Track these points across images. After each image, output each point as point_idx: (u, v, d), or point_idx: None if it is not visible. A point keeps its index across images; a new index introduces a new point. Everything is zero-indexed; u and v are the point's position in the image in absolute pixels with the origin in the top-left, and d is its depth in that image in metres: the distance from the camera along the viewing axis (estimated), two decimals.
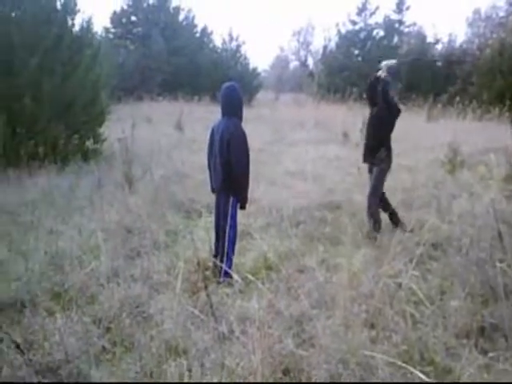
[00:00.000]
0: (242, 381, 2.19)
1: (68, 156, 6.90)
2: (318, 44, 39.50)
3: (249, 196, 5.47)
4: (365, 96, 4.73)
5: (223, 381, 2.19)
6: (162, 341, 2.57)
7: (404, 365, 2.28)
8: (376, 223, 4.44)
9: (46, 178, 5.88)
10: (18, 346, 2.31)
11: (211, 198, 5.51)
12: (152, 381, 2.28)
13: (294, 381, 2.33)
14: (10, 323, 2.78)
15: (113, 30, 24.98)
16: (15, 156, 6.13)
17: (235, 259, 3.75)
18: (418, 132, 10.68)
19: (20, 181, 5.66)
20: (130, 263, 3.65)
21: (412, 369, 2.25)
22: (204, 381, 2.19)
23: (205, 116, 13.35)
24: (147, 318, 2.85)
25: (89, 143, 8.03)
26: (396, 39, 24.50)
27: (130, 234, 4.23)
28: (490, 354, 2.52)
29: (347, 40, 24.67)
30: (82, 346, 2.51)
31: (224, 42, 25.58)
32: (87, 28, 8.79)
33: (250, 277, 3.46)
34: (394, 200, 5.28)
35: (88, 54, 8.15)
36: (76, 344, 2.51)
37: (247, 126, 10.22)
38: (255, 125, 11.63)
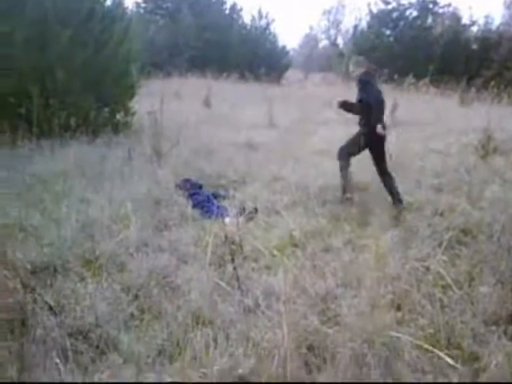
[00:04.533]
0: (266, 353, 2.20)
1: (99, 128, 6.96)
2: (348, 23, 38.17)
3: (276, 173, 5.47)
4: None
5: (248, 352, 2.20)
6: (189, 310, 2.60)
7: (431, 348, 2.25)
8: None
9: (78, 148, 5.96)
10: (50, 308, 2.37)
11: (238, 175, 5.52)
12: (178, 350, 2.30)
13: (318, 357, 2.32)
14: (43, 285, 2.85)
15: (143, 5, 24.87)
16: (48, 126, 6.21)
17: (262, 235, 3.76)
18: (451, 116, 10.34)
19: (53, 151, 5.74)
20: (158, 234, 3.69)
21: (439, 352, 2.22)
22: (229, 351, 2.21)
23: (232, 93, 13.25)
24: (174, 288, 2.88)
25: (119, 116, 8.08)
26: (430, 20, 23.52)
27: (159, 205, 4.27)
28: None
29: (379, 20, 23.86)
30: (112, 312, 2.56)
31: (253, 20, 25.16)
32: (119, 2, 8.77)
33: (276, 253, 3.48)
34: (424, 183, 5.16)
35: (119, 27, 8.13)
36: (106, 309, 2.56)
37: (275, 105, 10.03)
38: (283, 104, 11.49)
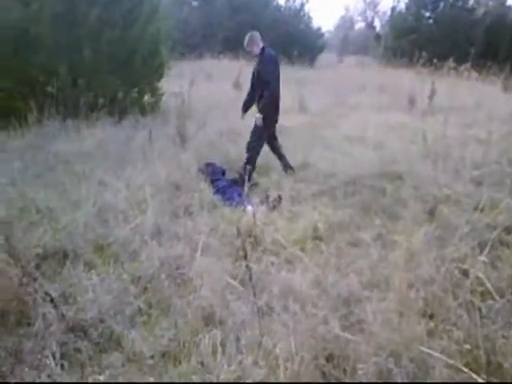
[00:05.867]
0: (279, 363, 1.95)
1: (126, 109, 6.80)
2: (385, 5, 36.72)
3: (303, 160, 5.15)
4: None
5: (259, 361, 1.96)
6: (199, 307, 2.38)
7: (466, 370, 1.94)
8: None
9: (103, 129, 5.83)
10: (51, 300, 2.20)
11: (264, 159, 5.22)
12: (184, 352, 2.09)
13: (337, 369, 2.06)
14: (52, 273, 2.70)
15: None
16: (74, 106, 6.10)
17: (285, 225, 3.49)
18: (493, 102, 9.63)
19: (78, 131, 5.62)
20: (175, 221, 3.47)
21: (476, 376, 1.91)
22: (239, 359, 1.97)
23: None
24: (186, 281, 2.67)
25: (147, 97, 7.90)
26: (472, 1, 22.08)
27: (179, 190, 4.05)
28: None
29: (418, 1, 22.59)
30: (118, 305, 2.37)
31: (287, 0, 24.40)
32: None
33: (297, 246, 3.22)
34: (462, 175, 4.74)
35: (148, 7, 7.88)
36: (112, 302, 2.37)
37: (307, 88, 9.58)
38: (316, 87, 11.05)
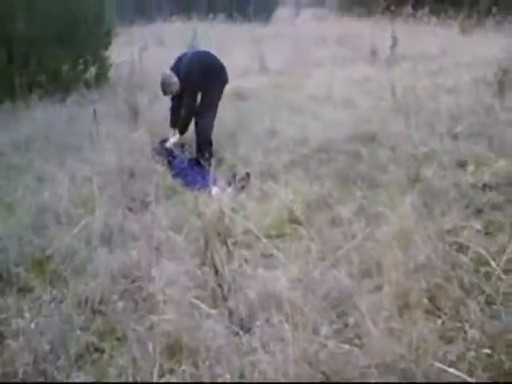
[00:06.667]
0: None
1: (70, 84, 5.95)
2: None
3: (270, 127, 4.58)
4: None
5: None
6: (163, 334, 1.88)
7: None
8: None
9: (45, 110, 5.04)
10: None
11: (226, 129, 4.63)
12: None
13: None
14: None
15: None
16: (10, 87, 5.24)
17: (255, 211, 2.99)
18: (454, 46, 9.17)
19: (15, 117, 4.83)
20: (129, 217, 2.89)
21: None
22: None
23: (218, 36, 11.90)
24: (145, 299, 2.15)
25: (93, 69, 7.00)
26: None
27: (132, 178, 3.44)
28: None
29: None
30: (60, 344, 1.84)
31: None
32: None
33: (273, 233, 2.75)
34: (438, 129, 4.31)
35: None
36: (52, 340, 1.84)
37: (265, 46, 8.80)
38: (274, 44, 10.25)
